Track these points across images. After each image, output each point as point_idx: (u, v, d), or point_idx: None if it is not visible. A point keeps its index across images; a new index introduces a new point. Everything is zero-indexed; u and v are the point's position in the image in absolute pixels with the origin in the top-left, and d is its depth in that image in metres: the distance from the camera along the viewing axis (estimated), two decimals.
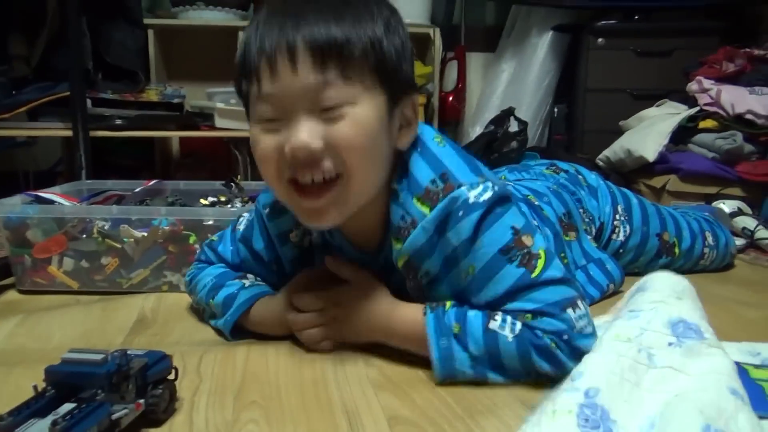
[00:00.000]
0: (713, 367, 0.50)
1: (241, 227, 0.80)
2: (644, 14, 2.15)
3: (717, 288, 1.01)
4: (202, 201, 1.16)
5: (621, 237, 1.00)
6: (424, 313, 0.63)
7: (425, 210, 0.62)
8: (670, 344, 0.53)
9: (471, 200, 0.61)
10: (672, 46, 2.08)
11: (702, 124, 1.69)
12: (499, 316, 0.61)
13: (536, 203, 0.87)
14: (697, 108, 1.70)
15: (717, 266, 1.11)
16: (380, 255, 0.70)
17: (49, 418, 0.45)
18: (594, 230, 0.98)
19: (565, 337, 0.58)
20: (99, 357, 0.50)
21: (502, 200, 0.63)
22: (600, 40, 2.11)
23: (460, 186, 0.62)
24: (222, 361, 0.67)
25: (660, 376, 0.50)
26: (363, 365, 0.66)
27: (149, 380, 0.53)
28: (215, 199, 1.16)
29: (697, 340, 0.53)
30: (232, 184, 1.19)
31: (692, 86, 1.75)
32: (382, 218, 0.68)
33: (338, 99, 0.58)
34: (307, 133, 0.57)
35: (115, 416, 0.48)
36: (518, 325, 0.60)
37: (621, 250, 1.01)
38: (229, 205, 1.13)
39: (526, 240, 0.62)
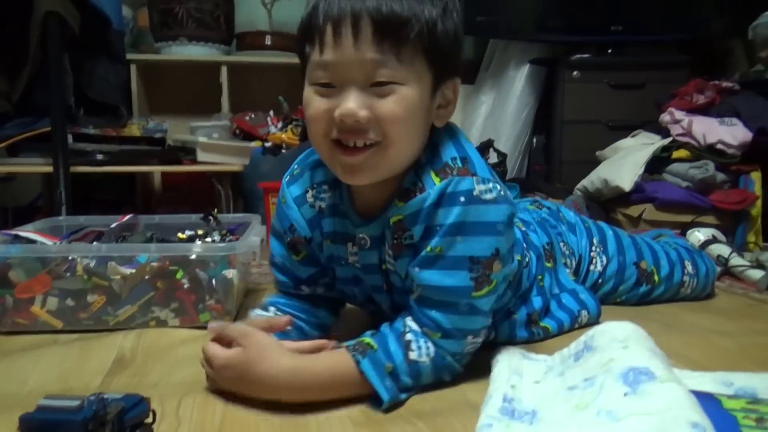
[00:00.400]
0: (670, 402, 0.51)
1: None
2: (617, 48, 2.22)
3: (692, 317, 1.03)
4: (180, 235, 1.15)
5: (599, 267, 1.04)
6: (357, 361, 0.65)
7: (437, 181, 0.68)
8: (625, 395, 0.54)
9: (475, 192, 0.66)
10: (644, 79, 2.15)
11: (675, 154, 1.74)
12: (414, 343, 0.67)
13: (523, 229, 0.92)
14: (670, 138, 1.75)
15: (699, 295, 1.13)
16: (378, 221, 0.73)
17: None
18: (573, 263, 1.01)
19: (458, 357, 0.70)
20: (75, 404, 0.50)
21: (509, 219, 0.69)
22: (575, 73, 2.17)
23: (473, 175, 0.67)
24: (201, 404, 0.66)
25: (624, 427, 0.51)
26: (344, 407, 0.65)
27: (126, 425, 0.52)
28: (193, 233, 1.16)
29: (648, 381, 0.55)
30: (210, 217, 1.20)
31: (665, 117, 1.80)
32: (395, 187, 0.71)
33: (389, 77, 0.63)
34: (356, 103, 0.63)
35: None
36: (431, 349, 0.68)
37: (600, 280, 1.04)
38: (208, 239, 1.13)
39: (496, 266, 0.68)
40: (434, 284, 0.68)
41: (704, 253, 1.17)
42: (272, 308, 0.82)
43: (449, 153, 0.69)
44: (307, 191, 0.79)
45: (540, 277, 0.90)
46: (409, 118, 0.65)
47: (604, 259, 1.04)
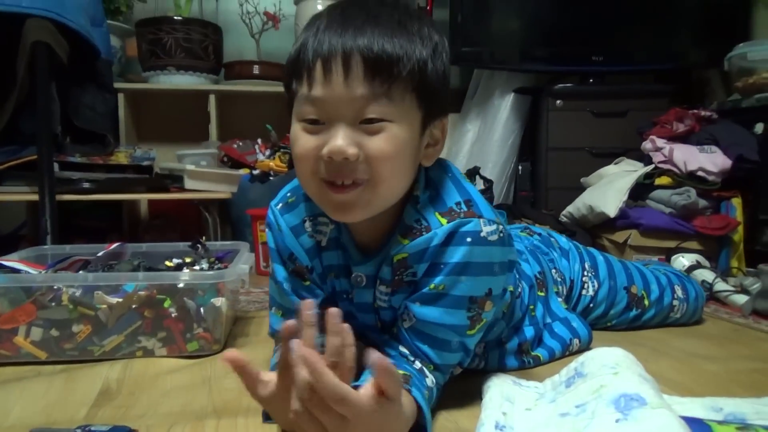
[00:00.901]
0: (661, 429, 0.52)
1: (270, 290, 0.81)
2: (598, 78, 2.27)
3: (680, 342, 1.04)
4: (167, 263, 1.14)
5: (590, 292, 1.05)
6: (407, 389, 0.62)
7: (443, 222, 0.68)
8: (617, 421, 0.55)
9: (482, 233, 0.67)
10: (626, 108, 2.19)
11: (658, 181, 1.77)
12: (426, 371, 0.68)
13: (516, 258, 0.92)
14: (653, 165, 1.79)
15: (688, 320, 1.14)
16: (378, 257, 0.72)
17: None
18: (565, 290, 1.02)
19: (442, 384, 0.71)
20: None
21: (508, 262, 0.70)
22: (558, 101, 2.21)
23: (480, 216, 0.68)
24: None
25: None
26: None
27: None
28: (180, 261, 1.15)
29: (640, 407, 0.55)
30: (198, 245, 1.19)
31: (646, 145, 1.83)
32: (394, 222, 0.71)
33: (380, 114, 0.62)
34: (345, 141, 0.61)
35: None
36: (433, 378, 0.69)
37: (591, 305, 1.05)
38: (196, 267, 1.12)
39: (487, 305, 0.69)
40: (434, 321, 0.68)
41: (693, 279, 1.19)
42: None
43: (453, 198, 0.70)
44: (304, 221, 0.76)
45: (532, 306, 0.91)
46: (398, 156, 0.64)
47: (595, 283, 1.05)
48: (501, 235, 0.69)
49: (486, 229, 0.67)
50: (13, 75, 1.55)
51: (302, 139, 0.64)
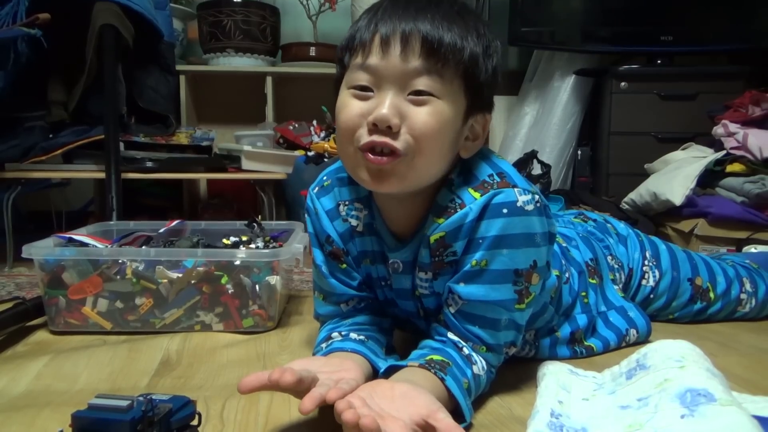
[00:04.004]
0: (731, 427, 0.49)
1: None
2: (667, 59, 2.16)
3: (749, 337, 0.98)
4: (225, 241, 1.17)
5: (651, 282, 1.00)
6: (441, 378, 0.62)
7: (476, 196, 0.67)
8: (683, 416, 0.52)
9: (518, 203, 0.65)
10: (696, 90, 2.08)
11: (729, 168, 1.67)
12: (473, 357, 0.67)
13: (564, 245, 0.90)
14: (724, 152, 1.69)
15: (757, 315, 1.08)
16: (413, 242, 0.72)
17: None
18: (623, 277, 0.98)
19: (499, 365, 0.71)
20: (125, 404, 0.50)
21: (550, 235, 0.69)
22: (623, 84, 2.12)
23: (514, 186, 0.66)
24: (245, 407, 0.67)
25: None
26: None
27: (173, 427, 0.53)
28: (237, 239, 1.17)
29: (708, 403, 0.52)
30: (254, 224, 1.21)
31: (718, 130, 1.74)
32: (427, 206, 0.71)
33: (429, 87, 0.63)
34: (391, 110, 0.63)
35: None
36: (484, 364, 0.68)
37: (652, 296, 1.01)
38: (252, 245, 1.14)
39: (534, 278, 0.68)
40: (480, 299, 0.67)
41: (764, 272, 1.12)
42: (336, 333, 0.75)
43: (484, 171, 0.69)
44: (338, 205, 0.77)
45: (584, 293, 0.88)
46: (440, 132, 0.64)
47: (657, 273, 1.00)
48: (538, 204, 0.67)
49: (522, 198, 0.66)
50: (83, 59, 1.61)
51: (350, 106, 0.65)
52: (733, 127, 1.69)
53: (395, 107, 0.63)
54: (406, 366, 0.64)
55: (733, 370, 0.80)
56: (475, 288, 0.67)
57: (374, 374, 0.68)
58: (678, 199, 1.62)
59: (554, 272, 0.79)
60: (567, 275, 0.85)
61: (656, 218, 1.74)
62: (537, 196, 0.67)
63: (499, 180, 0.67)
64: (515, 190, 0.66)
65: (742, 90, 1.83)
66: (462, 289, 0.67)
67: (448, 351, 0.67)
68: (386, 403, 0.56)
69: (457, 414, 0.61)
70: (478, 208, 0.66)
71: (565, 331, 0.84)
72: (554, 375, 0.71)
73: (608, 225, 1.04)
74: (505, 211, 0.65)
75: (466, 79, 0.65)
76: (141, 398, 0.52)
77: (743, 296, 1.05)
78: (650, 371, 0.63)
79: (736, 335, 0.99)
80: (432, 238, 0.69)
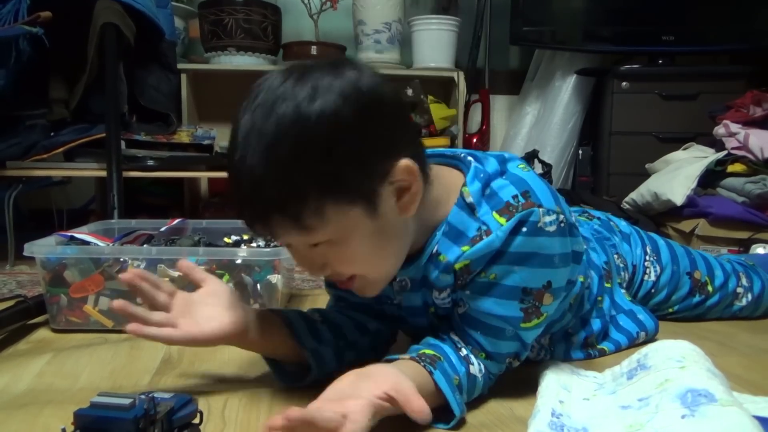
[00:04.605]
0: (732, 428, 0.49)
1: None
2: (668, 58, 2.16)
3: (749, 337, 0.98)
4: (226, 239, 1.17)
5: (652, 277, 1.01)
6: (429, 371, 0.62)
7: (502, 221, 0.64)
8: (683, 417, 0.52)
9: (539, 224, 0.63)
10: (697, 90, 2.08)
11: (730, 168, 1.67)
12: (471, 358, 0.67)
13: (585, 247, 0.88)
14: (725, 152, 1.69)
15: (752, 312, 1.08)
16: (420, 259, 0.69)
17: None
18: (627, 276, 0.98)
19: (498, 375, 0.70)
20: (127, 402, 0.50)
21: (574, 254, 0.68)
22: (624, 83, 2.12)
23: (539, 206, 0.64)
24: (246, 405, 0.67)
25: None
26: (386, 419, 0.65)
27: (174, 425, 0.53)
28: (239, 238, 1.17)
29: (708, 404, 0.52)
30: None
31: (719, 130, 1.74)
32: (435, 224, 0.68)
33: (319, 238, 0.60)
34: (308, 266, 0.64)
35: None
36: (482, 367, 0.67)
37: (653, 290, 1.01)
38: (253, 244, 1.14)
39: (546, 299, 0.66)
40: (485, 311, 0.66)
41: (760, 270, 1.12)
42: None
43: (509, 192, 0.65)
44: None
45: (600, 298, 0.87)
46: (359, 259, 0.62)
47: (657, 268, 1.01)
48: (562, 224, 0.65)
49: (545, 219, 0.64)
50: (84, 57, 1.61)
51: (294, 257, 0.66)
52: (734, 127, 1.69)
53: (311, 262, 0.63)
54: (398, 359, 0.64)
55: (733, 370, 0.80)
56: (482, 300, 0.66)
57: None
58: (679, 199, 1.62)
59: (579, 278, 0.78)
60: (589, 280, 0.84)
61: (657, 218, 1.74)
62: (562, 216, 0.65)
63: (523, 201, 0.64)
64: (540, 210, 0.64)
65: (743, 90, 1.83)
66: (470, 298, 0.67)
67: (444, 347, 0.67)
68: (351, 388, 0.56)
69: (447, 410, 0.61)
70: (504, 235, 0.63)
71: (580, 336, 0.84)
72: (555, 375, 0.71)
73: (611, 223, 1.04)
74: (524, 230, 0.63)
75: (332, 198, 0.57)
76: (143, 396, 0.52)
77: (740, 290, 1.06)
78: (651, 371, 0.63)
79: (736, 335, 0.99)
80: (457, 266, 0.65)
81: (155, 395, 0.53)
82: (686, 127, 2.04)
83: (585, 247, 0.72)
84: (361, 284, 0.66)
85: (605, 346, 0.87)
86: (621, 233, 1.02)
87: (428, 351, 0.65)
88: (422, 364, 0.63)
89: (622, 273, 0.97)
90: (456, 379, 0.64)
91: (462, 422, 0.63)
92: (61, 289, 0.95)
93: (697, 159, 1.75)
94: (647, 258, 1.01)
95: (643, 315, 0.92)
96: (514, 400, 0.69)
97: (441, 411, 0.61)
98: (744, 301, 1.07)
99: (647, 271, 1.00)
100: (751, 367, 0.84)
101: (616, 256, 0.96)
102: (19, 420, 0.63)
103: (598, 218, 1.05)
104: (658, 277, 1.01)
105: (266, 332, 0.70)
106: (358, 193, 0.59)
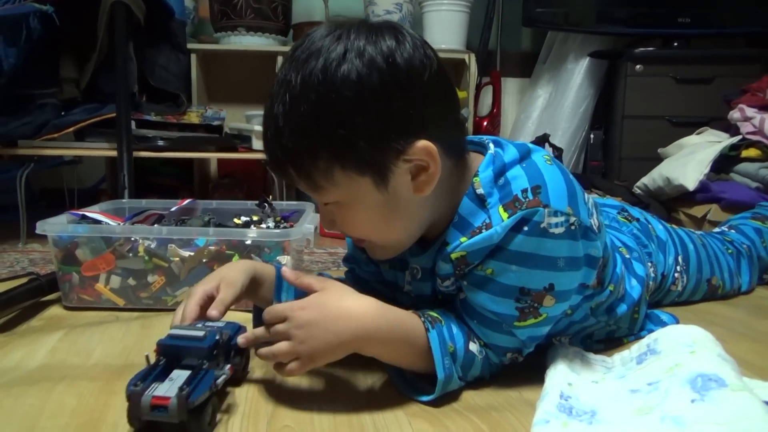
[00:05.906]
0: (741, 413, 0.49)
1: None
2: (683, 41, 2.12)
3: (762, 324, 0.98)
4: (236, 220, 1.18)
5: (680, 287, 1.01)
6: (426, 328, 0.62)
7: (504, 216, 0.62)
8: (693, 401, 0.52)
9: (542, 225, 0.61)
10: (712, 74, 2.05)
11: (745, 153, 1.65)
12: (473, 336, 0.67)
13: (627, 256, 0.86)
14: (740, 137, 1.67)
15: (731, 289, 1.11)
16: (433, 248, 0.69)
17: (167, 383, 0.54)
18: (654, 286, 0.96)
19: (500, 365, 0.69)
20: (201, 333, 0.60)
21: (587, 258, 0.66)
22: (638, 66, 2.09)
23: (545, 206, 0.61)
24: (256, 384, 0.68)
25: None
26: (397, 395, 0.65)
27: (232, 349, 0.64)
28: (248, 219, 1.18)
29: (719, 389, 0.52)
30: (265, 204, 1.22)
31: (734, 114, 1.71)
32: (451, 213, 0.66)
33: (328, 198, 0.63)
34: (321, 217, 0.68)
35: (218, 380, 0.58)
36: (483, 350, 0.67)
37: (677, 299, 1.03)
38: (263, 225, 1.14)
39: (547, 300, 0.64)
40: (480, 305, 0.65)
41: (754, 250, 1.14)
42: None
43: (520, 184, 0.63)
44: None
45: (636, 308, 0.83)
46: (367, 226, 0.65)
47: (685, 279, 1.01)
48: (573, 227, 0.62)
49: (549, 220, 0.61)
50: (94, 37, 1.60)
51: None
52: (750, 111, 1.67)
53: (325, 219, 0.67)
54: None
55: (744, 356, 0.79)
56: (478, 293, 0.65)
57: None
58: (691, 184, 1.60)
59: (609, 287, 0.75)
60: (623, 290, 0.80)
61: (669, 203, 1.73)
62: (573, 218, 0.62)
63: (531, 198, 0.61)
64: (545, 210, 0.61)
65: (759, 74, 1.80)
66: (467, 288, 0.66)
67: (450, 317, 0.66)
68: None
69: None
70: (503, 231, 0.61)
71: (600, 336, 0.82)
72: (564, 358, 0.71)
73: (650, 226, 1.00)
74: (526, 229, 0.61)
75: (341, 164, 0.59)
76: (209, 328, 0.61)
77: (736, 287, 1.11)
78: (661, 356, 0.63)
79: (748, 321, 0.99)
80: (453, 256, 0.64)
81: (219, 325, 0.63)
82: (700, 111, 2.02)
83: (599, 254, 0.68)
84: (370, 246, 0.69)
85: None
86: (657, 239, 0.98)
87: (433, 313, 0.66)
88: (422, 319, 0.63)
89: (651, 282, 0.94)
90: (450, 347, 0.63)
91: (452, 399, 0.64)
92: (73, 267, 0.96)
93: (710, 144, 1.73)
94: (678, 268, 0.99)
95: (666, 316, 0.90)
96: (522, 382, 0.69)
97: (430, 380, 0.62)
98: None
99: (676, 282, 1.00)
100: (761, 353, 0.83)
101: (649, 264, 0.93)
102: (33, 395, 0.64)
103: (637, 220, 1.00)
104: (684, 288, 1.01)
105: None
106: (368, 164, 0.59)
